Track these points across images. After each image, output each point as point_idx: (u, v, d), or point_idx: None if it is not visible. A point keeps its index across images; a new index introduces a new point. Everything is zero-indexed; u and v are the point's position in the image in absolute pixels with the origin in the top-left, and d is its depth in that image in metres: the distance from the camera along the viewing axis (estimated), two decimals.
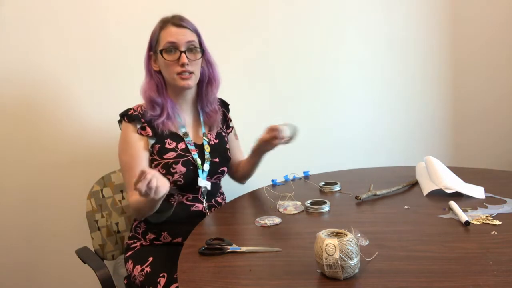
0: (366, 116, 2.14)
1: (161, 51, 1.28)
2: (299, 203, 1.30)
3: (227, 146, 1.47)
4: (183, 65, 1.29)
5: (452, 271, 0.85)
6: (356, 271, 0.84)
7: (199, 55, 1.34)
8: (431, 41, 2.14)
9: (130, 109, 1.36)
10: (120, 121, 1.38)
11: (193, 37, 1.32)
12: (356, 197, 1.30)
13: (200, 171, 1.34)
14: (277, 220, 1.18)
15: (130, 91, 1.77)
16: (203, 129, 1.43)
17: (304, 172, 1.62)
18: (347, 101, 2.11)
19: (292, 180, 1.59)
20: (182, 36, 1.29)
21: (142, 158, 1.31)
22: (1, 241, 1.73)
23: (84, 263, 1.37)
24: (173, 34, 1.28)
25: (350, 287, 0.82)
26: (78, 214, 1.65)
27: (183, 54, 1.28)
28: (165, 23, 1.31)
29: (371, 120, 2.15)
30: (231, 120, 1.55)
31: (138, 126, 1.33)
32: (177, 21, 1.30)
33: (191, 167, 1.32)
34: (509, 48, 2.15)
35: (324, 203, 1.26)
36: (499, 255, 0.90)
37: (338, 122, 2.10)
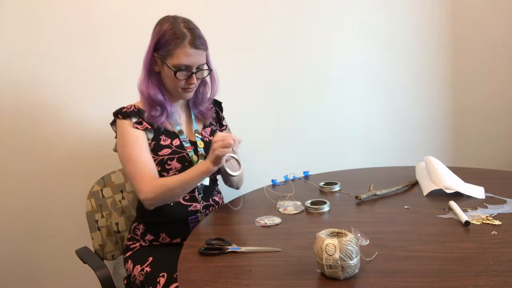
0: (366, 116, 2.14)
1: (175, 71, 1.27)
2: (299, 203, 1.30)
3: None
4: (191, 83, 1.31)
5: (452, 271, 0.85)
6: (356, 271, 0.84)
7: (206, 73, 1.36)
8: (431, 42, 2.14)
9: (123, 107, 1.36)
10: (113, 122, 1.37)
11: (204, 58, 1.32)
12: (356, 197, 1.30)
13: None
14: (277, 220, 1.18)
15: (130, 91, 1.77)
16: (195, 126, 1.43)
17: (304, 172, 1.62)
18: (347, 101, 2.11)
19: (292, 180, 1.59)
20: (197, 59, 1.29)
21: (144, 147, 1.31)
22: (1, 241, 1.73)
23: (84, 263, 1.37)
24: (189, 56, 1.27)
25: (350, 287, 0.82)
26: (78, 214, 1.65)
27: (193, 75, 1.30)
28: (181, 38, 1.25)
29: (371, 120, 2.15)
30: (224, 119, 1.55)
31: (134, 121, 1.33)
32: (195, 42, 1.26)
33: (186, 164, 1.33)
34: (510, 48, 2.15)
35: (324, 203, 1.26)
36: (499, 255, 0.90)
37: (338, 122, 2.10)
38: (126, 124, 1.32)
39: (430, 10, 2.11)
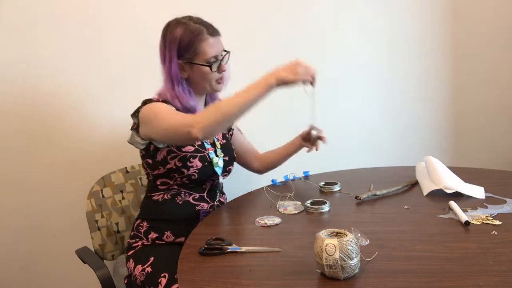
0: (366, 116, 2.14)
1: (209, 66, 1.28)
2: (299, 203, 1.30)
3: (232, 147, 1.50)
4: (222, 71, 1.32)
5: (452, 271, 0.85)
6: (356, 271, 0.84)
7: (228, 56, 1.36)
8: (431, 42, 2.14)
9: (151, 98, 1.32)
10: (134, 113, 1.32)
11: (222, 43, 1.33)
12: (356, 197, 1.30)
13: (217, 168, 1.36)
14: (277, 220, 1.18)
15: (130, 91, 1.77)
16: None
17: (304, 172, 1.62)
18: (347, 101, 2.11)
19: (292, 180, 1.59)
20: (219, 46, 1.30)
21: None
22: (1, 241, 1.73)
23: (84, 263, 1.37)
24: (213, 46, 1.28)
25: (350, 287, 0.82)
26: (78, 214, 1.65)
27: (222, 63, 1.32)
28: (200, 33, 1.26)
29: (371, 120, 2.15)
30: None
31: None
32: (212, 31, 1.28)
33: (206, 164, 1.33)
34: (510, 48, 2.15)
35: (324, 203, 1.26)
36: (499, 255, 0.90)
37: (338, 122, 2.10)
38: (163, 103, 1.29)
39: (431, 11, 2.11)
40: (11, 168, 1.70)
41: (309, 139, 1.47)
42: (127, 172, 1.59)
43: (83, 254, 1.41)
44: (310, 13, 1.98)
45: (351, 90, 2.10)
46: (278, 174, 1.61)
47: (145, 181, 1.62)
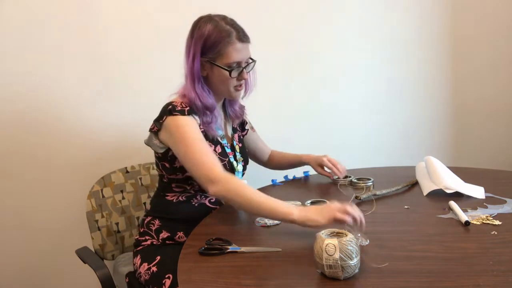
0: (366, 116, 2.14)
1: (229, 71, 1.24)
2: (299, 203, 1.30)
3: (247, 150, 1.50)
4: (242, 79, 1.29)
5: (452, 271, 0.85)
6: (356, 271, 0.84)
7: (252, 65, 1.33)
8: (432, 42, 2.14)
9: (176, 105, 1.24)
10: (158, 119, 1.26)
11: (249, 51, 1.30)
12: (356, 197, 1.30)
13: (236, 173, 1.35)
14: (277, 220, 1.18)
15: (130, 92, 1.77)
16: (231, 130, 1.42)
17: (304, 172, 1.62)
18: (347, 101, 2.11)
19: (292, 180, 1.59)
20: (245, 53, 1.27)
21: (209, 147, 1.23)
22: (1, 241, 1.73)
23: (84, 263, 1.37)
24: (239, 51, 1.24)
25: (350, 287, 0.82)
26: (78, 214, 1.65)
27: (244, 71, 1.28)
28: (229, 36, 1.22)
29: (371, 120, 2.15)
30: (247, 123, 1.54)
31: (199, 121, 1.26)
32: (242, 36, 1.24)
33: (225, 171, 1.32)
34: (510, 48, 2.15)
35: (324, 203, 1.26)
36: (499, 255, 0.90)
37: (338, 122, 2.10)
38: (190, 119, 1.24)
39: (431, 9, 2.11)
40: (11, 168, 1.70)
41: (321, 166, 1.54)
42: (127, 172, 1.59)
43: (83, 254, 1.40)
44: (310, 13, 1.98)
45: (351, 90, 2.10)
46: (278, 174, 1.61)
47: (145, 181, 1.62)
